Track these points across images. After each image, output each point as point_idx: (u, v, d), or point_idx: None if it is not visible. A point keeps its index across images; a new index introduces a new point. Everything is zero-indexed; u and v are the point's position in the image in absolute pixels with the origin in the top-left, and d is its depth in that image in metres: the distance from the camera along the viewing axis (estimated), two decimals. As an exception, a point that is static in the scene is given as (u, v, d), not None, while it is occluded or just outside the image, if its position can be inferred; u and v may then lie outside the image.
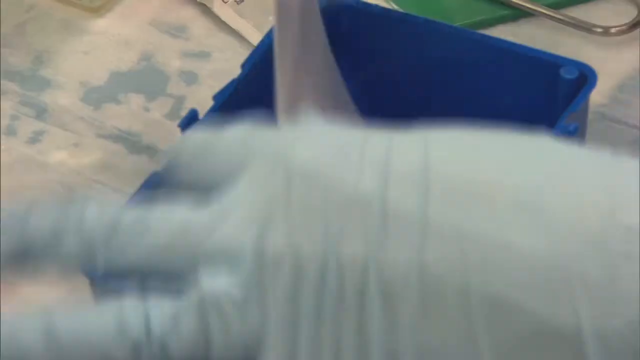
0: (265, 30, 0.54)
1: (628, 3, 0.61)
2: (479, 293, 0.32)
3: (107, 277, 0.46)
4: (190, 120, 0.51)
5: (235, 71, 0.53)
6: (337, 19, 0.54)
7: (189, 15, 0.62)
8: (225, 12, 0.62)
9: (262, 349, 0.33)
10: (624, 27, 0.60)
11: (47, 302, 0.32)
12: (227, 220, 0.34)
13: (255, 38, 0.59)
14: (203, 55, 0.61)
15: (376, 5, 0.55)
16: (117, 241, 0.34)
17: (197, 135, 0.37)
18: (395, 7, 0.61)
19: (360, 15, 0.54)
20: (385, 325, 0.32)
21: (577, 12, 0.61)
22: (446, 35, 0.53)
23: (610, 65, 0.59)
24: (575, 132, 0.50)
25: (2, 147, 0.57)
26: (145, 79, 0.60)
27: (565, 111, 0.50)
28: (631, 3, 0.61)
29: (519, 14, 0.61)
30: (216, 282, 0.33)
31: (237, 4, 0.62)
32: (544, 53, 0.52)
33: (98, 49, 0.61)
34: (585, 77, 0.51)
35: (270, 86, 0.54)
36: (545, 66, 0.51)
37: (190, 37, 0.62)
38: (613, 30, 0.60)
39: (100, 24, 0.62)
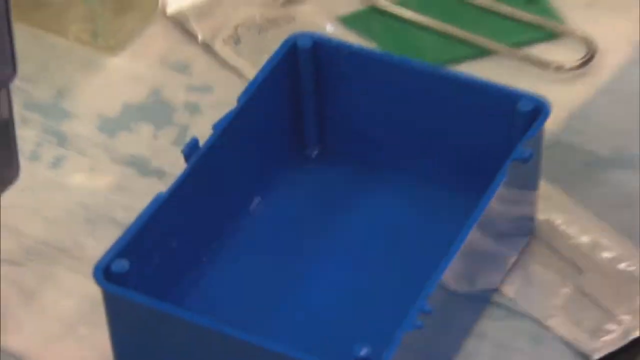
0: (260, 66, 0.54)
1: (579, 43, 0.61)
2: None
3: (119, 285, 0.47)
4: (191, 147, 0.51)
5: (234, 103, 0.52)
6: (320, 58, 0.54)
7: (193, 54, 0.62)
8: (225, 51, 0.62)
9: None
10: (575, 64, 0.60)
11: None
12: None
13: (252, 74, 0.59)
14: (205, 89, 0.61)
15: (355, 46, 0.55)
16: None
17: None
18: (376, 44, 0.61)
19: (340, 54, 0.54)
20: None
21: (535, 51, 0.61)
22: (416, 72, 0.53)
23: (564, 97, 0.59)
24: (530, 157, 0.50)
25: (27, 170, 0.55)
26: (154, 110, 0.60)
27: (521, 139, 0.50)
28: (582, 43, 0.61)
29: (485, 52, 0.61)
30: None
31: (236, 44, 0.62)
32: (504, 87, 0.52)
33: (112, 84, 0.61)
34: (540, 109, 0.51)
35: (264, 116, 0.54)
36: (504, 99, 0.51)
37: (193, 73, 0.61)
38: (566, 66, 0.60)
39: (115, 61, 0.62)
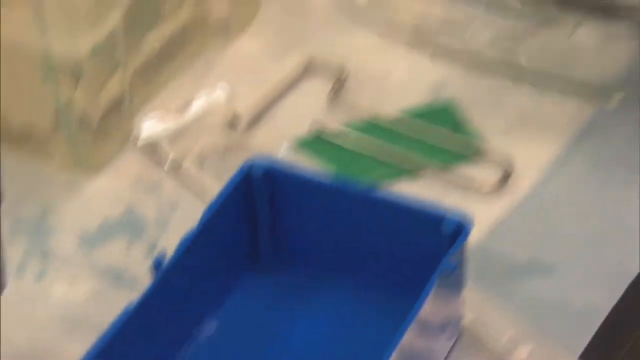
0: (222, 187, 0.55)
1: (499, 164, 0.62)
2: None
3: None
4: (159, 260, 0.51)
5: (199, 219, 0.53)
6: (272, 181, 0.55)
7: (163, 176, 0.62)
8: (191, 173, 0.62)
9: None
10: (495, 183, 0.61)
11: None
12: None
13: (214, 193, 0.59)
14: (173, 207, 0.61)
15: (302, 171, 0.55)
16: None
17: None
18: (323, 164, 0.62)
19: (289, 178, 0.55)
20: None
21: (461, 171, 0.62)
22: (355, 195, 0.54)
23: (486, 211, 0.60)
24: (456, 269, 0.51)
25: (13, 283, 0.57)
26: (128, 226, 0.60)
27: (447, 254, 0.51)
28: (501, 163, 0.62)
29: (418, 172, 0.62)
30: None
31: (200, 167, 0.63)
32: (431, 208, 0.53)
33: (92, 203, 0.61)
34: (462, 227, 0.52)
35: (223, 232, 0.55)
36: (431, 219, 0.52)
37: (163, 193, 0.62)
38: (487, 184, 0.61)
39: (94, 183, 0.62)
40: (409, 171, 0.62)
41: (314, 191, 0.54)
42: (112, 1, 0.60)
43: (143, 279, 0.55)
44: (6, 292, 0.50)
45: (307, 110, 0.65)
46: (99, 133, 0.62)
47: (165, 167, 0.62)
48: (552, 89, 0.64)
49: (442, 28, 0.65)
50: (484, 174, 0.61)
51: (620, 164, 0.61)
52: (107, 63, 0.61)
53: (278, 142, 0.64)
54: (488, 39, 0.64)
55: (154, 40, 0.65)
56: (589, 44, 0.62)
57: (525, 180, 0.61)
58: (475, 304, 0.55)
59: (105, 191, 0.62)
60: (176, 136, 0.63)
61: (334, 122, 0.64)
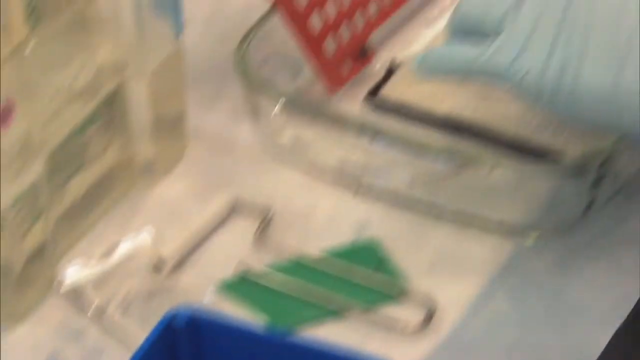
0: (148, 331, 0.53)
1: (422, 302, 0.61)
2: None
3: None
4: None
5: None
6: (195, 330, 0.53)
7: (86, 323, 0.60)
8: (115, 319, 0.60)
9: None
10: (418, 323, 0.60)
11: None
12: None
13: (139, 340, 0.57)
14: (97, 354, 0.59)
15: (226, 320, 0.54)
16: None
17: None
18: (247, 307, 0.61)
19: (212, 327, 0.53)
20: None
21: (384, 311, 0.61)
22: (279, 344, 0.52)
23: (411, 352, 0.58)
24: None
25: None
26: (51, 376, 0.58)
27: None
28: (424, 302, 0.61)
29: (341, 314, 0.61)
30: None
31: (124, 312, 0.61)
32: (354, 353, 0.51)
33: (14, 353, 0.59)
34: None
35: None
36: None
37: (87, 339, 0.60)
38: (411, 325, 0.60)
39: (16, 331, 0.60)
40: (334, 312, 0.61)
41: (238, 339, 0.53)
42: (36, 150, 0.59)
43: None
44: None
45: (233, 251, 0.64)
46: (21, 281, 0.60)
47: (89, 314, 0.61)
48: (472, 227, 0.64)
49: (364, 169, 0.65)
50: (407, 313, 0.60)
51: (541, 300, 0.61)
52: (29, 212, 0.59)
53: (204, 285, 0.62)
54: (408, 179, 0.64)
55: (78, 185, 0.63)
56: (505, 183, 0.62)
57: (448, 319, 0.60)
58: None
59: (27, 340, 0.60)
60: (100, 281, 0.62)
61: (260, 263, 0.63)
